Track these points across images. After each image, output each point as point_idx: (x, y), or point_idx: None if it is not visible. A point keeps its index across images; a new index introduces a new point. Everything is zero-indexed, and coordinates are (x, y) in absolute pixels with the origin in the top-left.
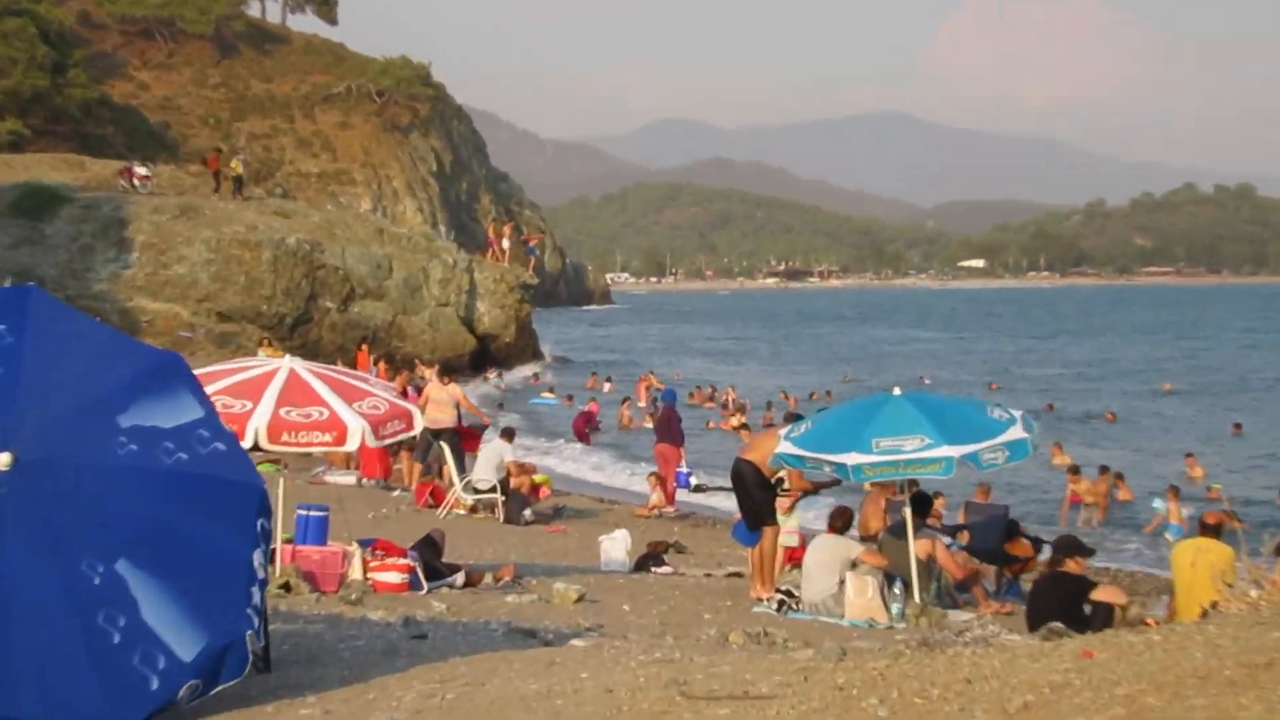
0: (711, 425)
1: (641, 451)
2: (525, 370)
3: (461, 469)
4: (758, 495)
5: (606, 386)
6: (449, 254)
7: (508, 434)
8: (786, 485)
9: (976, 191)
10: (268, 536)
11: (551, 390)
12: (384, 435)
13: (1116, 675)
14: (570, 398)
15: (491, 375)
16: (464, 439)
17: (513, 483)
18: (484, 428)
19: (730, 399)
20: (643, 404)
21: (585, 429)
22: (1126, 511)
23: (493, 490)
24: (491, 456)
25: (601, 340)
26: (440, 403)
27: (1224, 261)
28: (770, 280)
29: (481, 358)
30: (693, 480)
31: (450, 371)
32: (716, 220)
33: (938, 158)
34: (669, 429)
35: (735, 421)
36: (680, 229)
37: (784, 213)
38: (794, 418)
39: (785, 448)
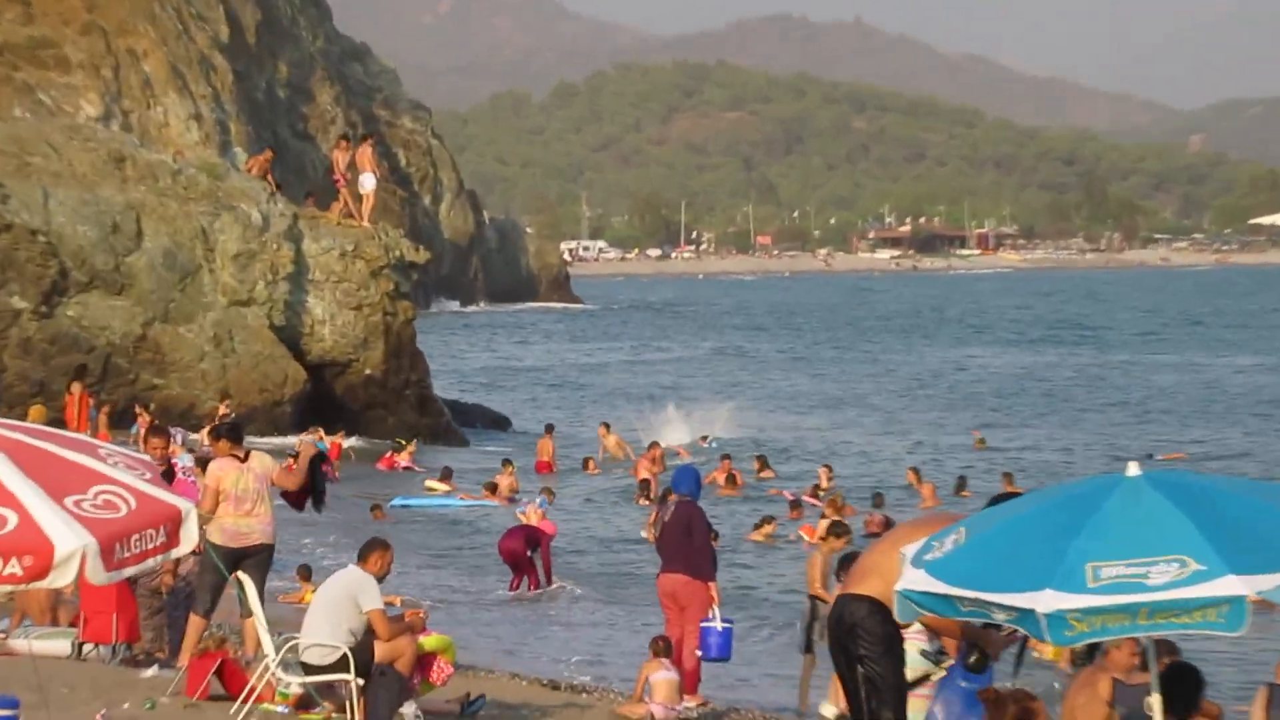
0: (767, 530)
1: (640, 590)
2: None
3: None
4: (883, 667)
5: (590, 465)
6: (254, 204)
7: (372, 554)
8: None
9: None
10: None
11: (447, 478)
12: (124, 561)
13: None
14: (493, 489)
15: (310, 436)
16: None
17: (380, 651)
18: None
19: (825, 486)
20: (645, 501)
21: (526, 555)
22: None
23: (341, 665)
24: (338, 601)
25: (537, 374)
26: (242, 496)
27: None
28: (885, 254)
29: (317, 408)
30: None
31: (234, 436)
32: (779, 136)
33: (1210, 8)
34: (687, 547)
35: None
36: (708, 153)
37: (909, 122)
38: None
39: (916, 579)
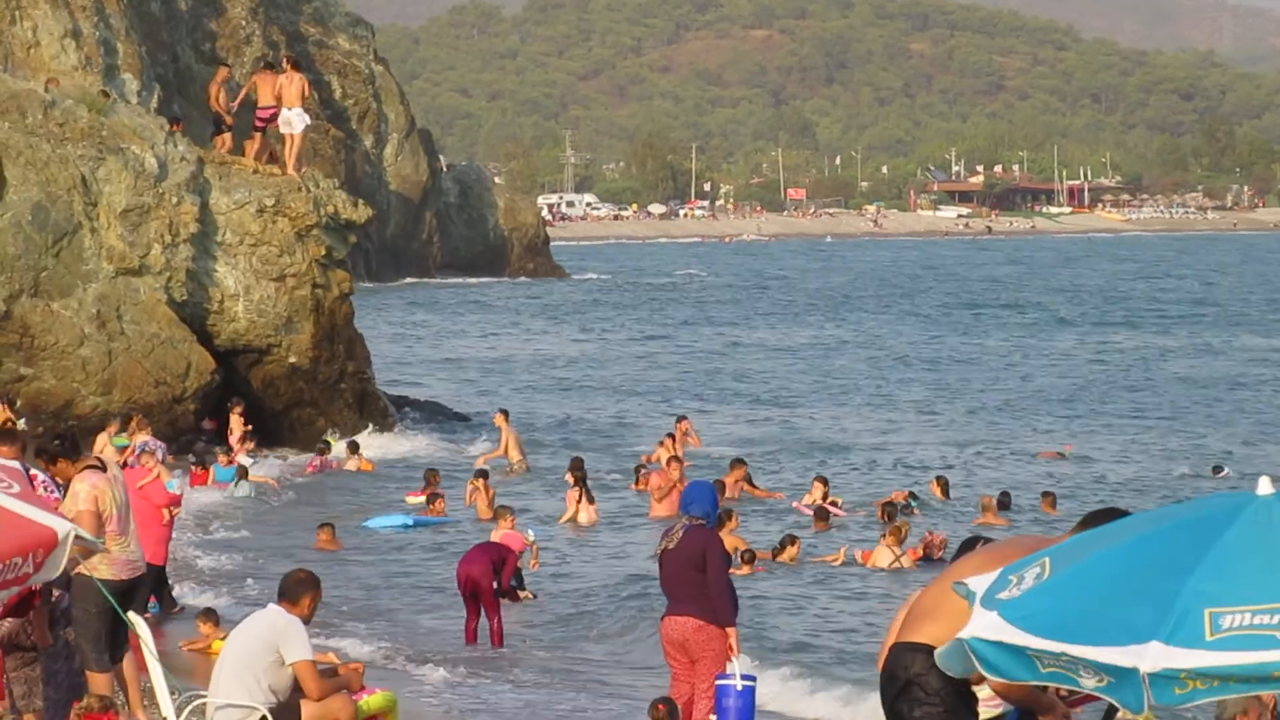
0: (792, 552)
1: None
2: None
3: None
4: None
5: (647, 474)
6: (148, 146)
7: (305, 596)
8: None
9: None
10: None
11: (431, 484)
12: None
13: None
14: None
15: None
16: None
17: (309, 713)
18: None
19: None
20: (664, 511)
21: (491, 586)
22: None
23: None
24: (256, 652)
25: (510, 367)
26: (123, 514)
27: None
28: (951, 212)
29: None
30: None
31: (77, 448)
32: (817, 61)
33: None
34: (700, 583)
35: (890, 552)
36: (726, 83)
37: (983, 43)
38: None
39: (986, 625)
